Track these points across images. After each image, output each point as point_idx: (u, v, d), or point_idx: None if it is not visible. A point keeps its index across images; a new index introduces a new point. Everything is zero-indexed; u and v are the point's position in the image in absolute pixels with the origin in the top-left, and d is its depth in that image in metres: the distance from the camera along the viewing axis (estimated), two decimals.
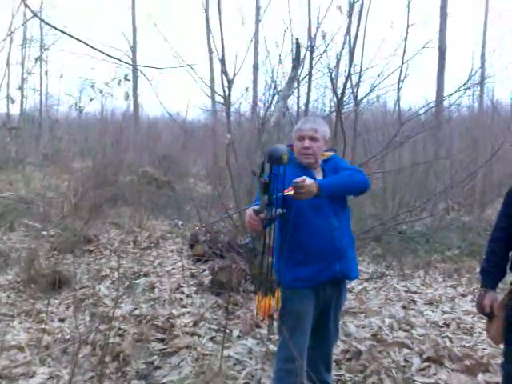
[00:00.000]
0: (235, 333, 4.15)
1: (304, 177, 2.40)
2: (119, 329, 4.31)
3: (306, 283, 2.68)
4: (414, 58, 5.64)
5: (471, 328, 4.30)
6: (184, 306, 4.75)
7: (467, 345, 3.93)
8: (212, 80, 15.30)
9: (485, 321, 2.76)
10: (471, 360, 3.51)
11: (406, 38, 5.57)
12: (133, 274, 5.88)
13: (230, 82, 5.44)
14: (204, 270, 5.98)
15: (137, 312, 4.63)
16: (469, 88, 8.23)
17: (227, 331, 4.16)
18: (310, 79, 5.29)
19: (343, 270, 2.72)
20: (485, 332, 3.80)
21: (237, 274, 5.00)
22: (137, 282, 5.61)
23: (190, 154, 16.87)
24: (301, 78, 5.47)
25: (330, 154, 2.85)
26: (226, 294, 4.86)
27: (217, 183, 9.66)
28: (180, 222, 9.01)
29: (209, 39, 17.28)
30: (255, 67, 15.60)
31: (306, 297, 2.71)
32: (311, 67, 5.15)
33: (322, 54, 5.27)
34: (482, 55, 17.74)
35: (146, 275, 5.85)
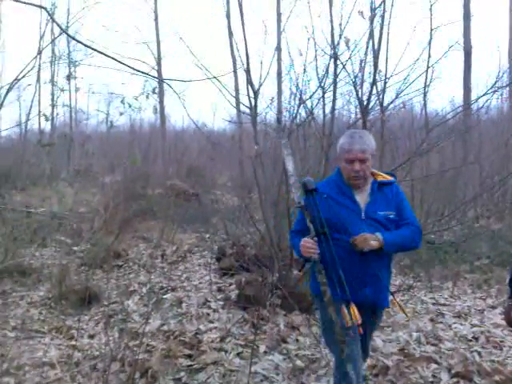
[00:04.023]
0: (262, 348, 4.14)
1: (363, 234, 2.51)
2: (148, 345, 4.36)
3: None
4: (439, 61, 5.55)
5: (501, 342, 4.18)
6: (211, 322, 4.77)
7: (497, 359, 3.82)
8: (237, 90, 15.41)
9: None
10: (501, 375, 3.42)
11: (430, 41, 5.51)
12: (161, 288, 5.95)
13: (256, 93, 5.47)
14: (231, 284, 6.00)
15: (165, 328, 4.67)
16: (497, 90, 8.07)
17: (254, 346, 4.17)
18: (334, 87, 5.27)
19: (374, 297, 2.65)
20: None
21: (264, 288, 5.00)
22: (165, 297, 5.67)
23: (217, 166, 17.03)
24: (326, 86, 5.46)
25: (389, 178, 2.76)
26: (253, 309, 4.86)
27: (244, 195, 9.72)
28: (207, 235, 9.06)
29: (232, 49, 17.42)
30: (279, 75, 15.64)
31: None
32: (336, 75, 5.13)
33: (346, 62, 5.23)
34: (510, 54, 17.36)
35: (173, 290, 5.91)
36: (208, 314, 4.97)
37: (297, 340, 4.38)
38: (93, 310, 5.57)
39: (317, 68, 5.36)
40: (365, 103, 4.95)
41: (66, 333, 4.88)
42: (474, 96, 12.17)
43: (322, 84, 5.39)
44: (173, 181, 12.89)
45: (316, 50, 5.38)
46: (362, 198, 2.66)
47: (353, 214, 2.63)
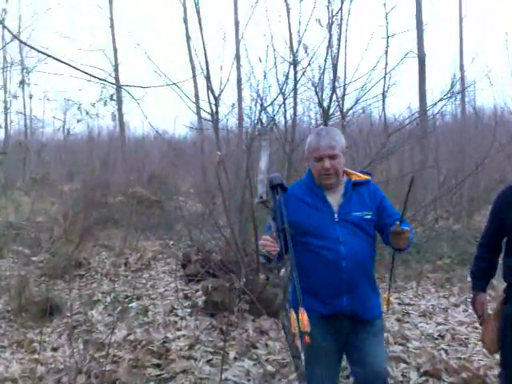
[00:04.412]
0: (232, 354, 4.11)
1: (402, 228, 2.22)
2: (114, 355, 4.26)
3: (312, 313, 2.32)
4: (397, 68, 5.69)
5: (466, 339, 4.31)
6: (179, 329, 4.71)
7: (463, 356, 3.93)
8: (196, 96, 15.29)
9: (479, 331, 2.75)
10: (468, 372, 3.52)
11: (387, 48, 5.64)
12: (125, 297, 5.83)
13: (217, 99, 5.45)
14: (197, 291, 5.94)
15: (131, 337, 4.58)
16: (451, 97, 8.37)
17: (223, 353, 4.14)
18: (295, 93, 5.32)
19: (352, 306, 2.40)
20: (479, 342, 3.82)
21: (231, 294, 4.98)
22: (130, 305, 5.56)
23: (179, 172, 16.87)
24: (286, 92, 5.50)
25: (365, 177, 2.57)
26: (221, 315, 4.83)
27: (208, 201, 9.66)
28: (171, 242, 8.96)
29: (190, 55, 17.21)
30: (239, 82, 15.68)
31: (320, 327, 2.39)
32: (296, 81, 5.18)
33: (305, 68, 5.30)
34: (461, 65, 17.98)
35: (138, 298, 5.80)
36: (175, 322, 4.90)
37: (266, 345, 4.38)
38: (55, 321, 5.41)
39: (277, 74, 5.40)
40: (325, 109, 5.01)
41: (28, 346, 4.72)
42: (429, 102, 12.54)
43: (283, 90, 5.44)
44: (134, 188, 12.67)
45: (275, 57, 5.43)
46: (334, 199, 2.48)
47: (325, 216, 2.44)
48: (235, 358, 4.08)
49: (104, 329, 5.00)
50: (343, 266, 2.36)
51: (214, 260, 6.19)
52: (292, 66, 5.14)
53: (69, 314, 5.47)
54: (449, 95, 7.91)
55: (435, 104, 7.60)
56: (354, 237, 2.41)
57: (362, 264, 2.41)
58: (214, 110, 5.49)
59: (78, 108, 11.40)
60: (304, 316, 2.09)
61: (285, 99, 5.53)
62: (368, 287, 2.47)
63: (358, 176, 2.56)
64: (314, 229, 2.42)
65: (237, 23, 17.53)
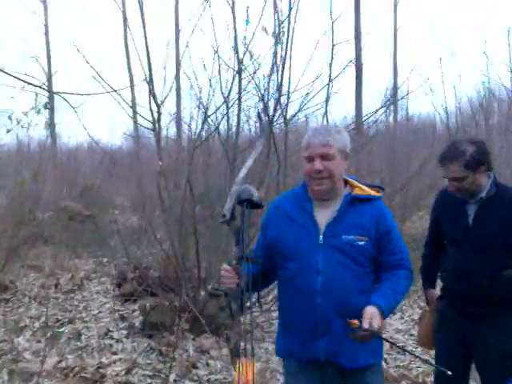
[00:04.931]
0: (172, 377, 3.93)
1: (368, 315, 1.79)
2: None
3: (290, 358, 2.12)
4: (338, 78, 5.78)
5: (403, 347, 4.35)
6: (115, 353, 4.45)
7: (402, 364, 3.97)
8: (134, 104, 14.84)
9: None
10: (407, 380, 3.55)
11: (332, 57, 5.73)
12: (56, 321, 5.46)
13: (159, 106, 5.24)
14: (134, 311, 5.67)
15: (63, 364, 4.27)
16: (385, 107, 8.65)
17: (163, 376, 3.96)
18: (239, 101, 5.24)
19: (330, 352, 1.99)
20: (417, 349, 3.88)
21: (170, 313, 4.79)
22: (61, 330, 5.21)
23: (114, 185, 16.34)
24: (230, 101, 5.43)
25: (372, 192, 2.08)
26: (160, 336, 4.63)
27: (145, 214, 9.37)
28: (105, 260, 8.59)
29: (129, 61, 16.76)
30: (177, 91, 15.39)
31: (301, 375, 2.09)
32: (240, 89, 5.11)
33: (252, 76, 5.24)
34: (395, 75, 18.70)
35: (70, 322, 5.45)
36: (111, 345, 4.64)
37: (207, 364, 4.23)
38: None
39: (221, 82, 5.31)
40: (270, 117, 4.98)
41: None
42: (365, 111, 12.92)
43: (227, 99, 5.36)
44: (65, 202, 12.09)
45: (220, 65, 5.34)
46: (324, 216, 2.02)
47: (307, 235, 2.00)
48: (175, 381, 3.90)
49: (32, 357, 4.64)
50: (318, 301, 1.95)
51: (152, 277, 5.97)
52: (237, 74, 5.07)
53: None
54: (383, 106, 8.18)
55: (369, 117, 7.84)
56: (338, 266, 1.96)
57: (343, 301, 1.91)
58: (156, 117, 5.28)
59: (9, 117, 10.60)
60: (248, 365, 1.76)
61: (228, 108, 5.44)
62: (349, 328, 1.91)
63: (363, 190, 2.06)
64: (293, 251, 2.01)
65: (177, 31, 17.25)
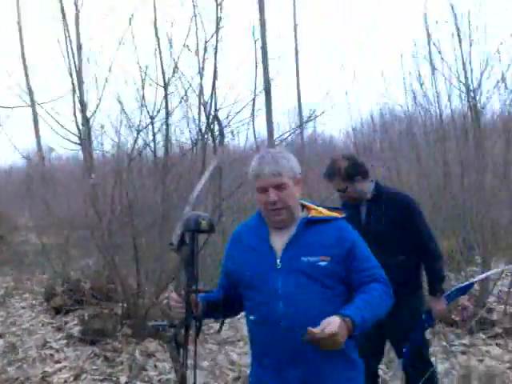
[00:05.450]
0: (123, 379, 4.02)
1: (325, 322, 1.63)
2: None
3: None
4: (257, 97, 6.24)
5: None
6: (58, 361, 4.44)
7: None
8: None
9: None
10: None
11: (255, 76, 6.17)
12: None
13: (88, 120, 5.34)
14: (66, 322, 5.62)
15: (3, 376, 4.19)
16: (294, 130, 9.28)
17: (114, 379, 4.05)
18: (167, 117, 5.48)
19: (305, 381, 1.85)
20: None
21: (111, 320, 4.85)
22: None
23: (17, 204, 15.56)
24: (155, 115, 5.64)
25: (330, 214, 1.98)
26: (103, 342, 4.68)
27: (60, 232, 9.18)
28: (25, 277, 8.29)
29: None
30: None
31: None
32: (167, 104, 5.37)
33: (185, 94, 5.51)
34: (299, 96, 19.61)
35: (1, 336, 5.28)
36: (51, 355, 4.60)
37: (155, 366, 4.36)
38: None
39: (143, 99, 5.53)
40: (203, 131, 5.28)
41: None
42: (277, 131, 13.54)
43: (153, 115, 5.59)
44: None
45: (143, 80, 5.55)
46: (280, 240, 1.92)
47: (264, 262, 1.91)
48: (127, 383, 4.00)
49: None
50: (282, 327, 1.82)
51: (83, 289, 5.96)
52: (163, 91, 5.33)
53: None
54: (291, 130, 8.77)
55: (281, 140, 8.40)
56: (300, 289, 1.83)
57: (308, 326, 1.67)
58: (86, 131, 5.37)
59: None
60: None
61: (152, 123, 5.65)
62: (330, 357, 1.79)
63: (320, 212, 1.97)
64: (252, 280, 1.92)
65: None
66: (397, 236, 2.98)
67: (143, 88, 5.50)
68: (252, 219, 2.07)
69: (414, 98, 7.84)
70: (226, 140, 6.34)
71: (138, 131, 5.43)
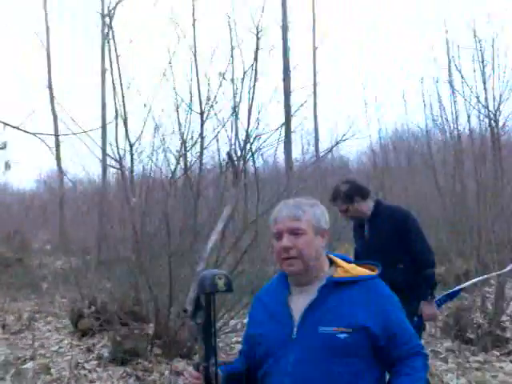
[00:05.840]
0: None
1: None
2: None
3: None
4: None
5: None
6: (92, 381, 4.58)
7: None
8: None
9: None
10: None
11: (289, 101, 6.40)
12: (17, 359, 5.41)
13: (132, 146, 5.63)
14: (94, 344, 5.76)
15: None
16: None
17: None
18: (202, 141, 5.73)
19: None
20: None
21: (142, 340, 5.00)
22: (24, 366, 5.18)
23: (35, 228, 15.83)
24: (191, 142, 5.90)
25: (362, 272, 1.73)
26: (133, 362, 4.82)
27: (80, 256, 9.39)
28: (49, 301, 8.46)
29: (104, 102, 16.12)
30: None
31: None
32: (202, 130, 5.62)
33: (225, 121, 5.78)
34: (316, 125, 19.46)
35: (32, 359, 5.42)
36: (85, 375, 4.74)
37: None
38: None
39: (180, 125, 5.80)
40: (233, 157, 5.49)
41: None
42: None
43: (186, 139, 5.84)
44: None
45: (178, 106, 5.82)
46: (301, 303, 1.66)
47: (281, 329, 1.65)
48: None
49: None
50: None
51: (111, 311, 6.10)
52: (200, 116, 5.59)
53: None
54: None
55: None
56: (312, 366, 1.58)
57: None
58: (129, 156, 5.63)
59: None
60: None
61: (186, 151, 5.89)
62: None
63: (346, 271, 1.70)
64: (266, 350, 1.69)
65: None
66: (395, 247, 3.33)
67: (177, 113, 5.82)
68: (274, 279, 1.85)
69: (433, 118, 8.10)
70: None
71: (179, 157, 5.66)
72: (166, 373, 4.67)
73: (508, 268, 4.95)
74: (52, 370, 4.98)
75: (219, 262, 5.02)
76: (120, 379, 4.58)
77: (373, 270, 1.75)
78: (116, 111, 5.51)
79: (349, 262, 1.77)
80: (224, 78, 5.45)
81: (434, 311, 3.45)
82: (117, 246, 7.25)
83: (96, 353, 5.34)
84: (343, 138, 7.48)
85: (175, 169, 5.81)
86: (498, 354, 5.07)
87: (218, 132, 5.67)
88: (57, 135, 4.21)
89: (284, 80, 10.77)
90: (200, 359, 1.64)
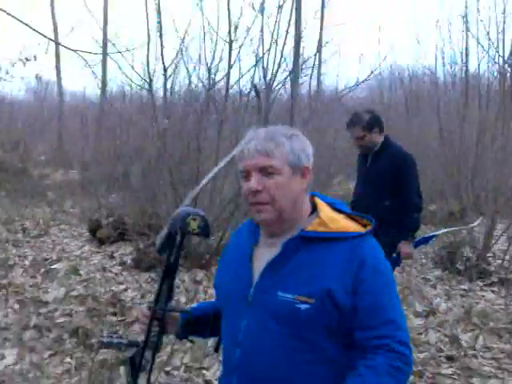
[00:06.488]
0: (182, 299, 4.64)
1: None
2: (64, 310, 4.46)
3: None
4: None
5: None
6: (121, 283, 5.04)
7: None
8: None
9: None
10: None
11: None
12: (44, 260, 5.85)
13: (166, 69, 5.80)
14: (113, 252, 6.20)
15: (74, 293, 4.78)
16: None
17: (175, 298, 4.65)
18: (229, 70, 5.91)
19: None
20: None
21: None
22: (53, 267, 5.62)
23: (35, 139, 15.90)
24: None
25: (353, 228, 1.36)
26: (158, 269, 5.27)
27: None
28: (62, 209, 8.86)
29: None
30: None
31: None
32: (230, 58, 5.80)
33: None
34: None
35: (59, 260, 5.87)
36: (113, 278, 5.20)
37: (205, 292, 4.97)
38: None
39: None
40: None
41: None
42: None
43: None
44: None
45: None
46: (266, 258, 1.36)
47: (238, 287, 1.39)
48: (186, 302, 4.62)
49: (32, 289, 5.04)
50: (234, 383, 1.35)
51: (129, 222, 6.51)
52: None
53: None
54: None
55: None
56: (267, 337, 1.31)
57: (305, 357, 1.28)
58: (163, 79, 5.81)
59: None
60: None
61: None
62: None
63: (324, 224, 1.33)
64: (222, 307, 1.48)
65: None
66: (387, 184, 3.60)
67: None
68: (247, 221, 1.52)
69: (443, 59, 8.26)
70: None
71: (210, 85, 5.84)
72: (186, 280, 5.15)
73: (477, 222, 5.38)
74: (80, 271, 5.43)
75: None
76: (145, 283, 5.05)
77: (365, 226, 1.37)
78: (148, 32, 5.59)
79: (338, 210, 1.40)
80: (254, 9, 5.55)
81: (412, 251, 3.76)
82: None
83: (118, 259, 5.79)
84: (367, 78, 7.63)
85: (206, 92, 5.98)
86: (482, 284, 5.64)
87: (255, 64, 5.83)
88: (97, 53, 4.25)
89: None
90: (154, 303, 1.44)
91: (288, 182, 1.32)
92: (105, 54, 4.28)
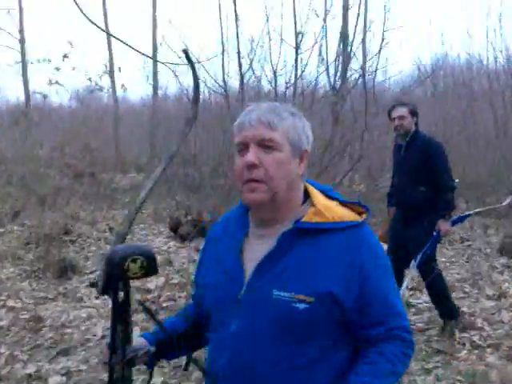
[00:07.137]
0: None
1: None
2: (167, 295, 5.04)
3: None
4: None
5: None
6: None
7: None
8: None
9: None
10: None
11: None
12: None
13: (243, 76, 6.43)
14: (196, 246, 6.76)
15: (174, 281, 5.37)
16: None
17: None
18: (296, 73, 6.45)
19: None
20: None
21: None
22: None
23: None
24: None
25: (348, 217, 1.27)
26: None
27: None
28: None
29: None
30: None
31: None
32: (296, 64, 6.34)
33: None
34: None
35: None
36: None
37: None
38: (75, 278, 5.88)
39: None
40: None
41: (73, 297, 5.25)
42: None
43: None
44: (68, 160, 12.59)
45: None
46: (259, 253, 1.25)
47: (227, 284, 1.28)
48: None
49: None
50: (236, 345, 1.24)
51: (207, 220, 7.08)
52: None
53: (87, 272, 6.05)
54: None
55: None
56: (261, 343, 1.22)
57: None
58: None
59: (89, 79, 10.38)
60: None
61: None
62: None
63: (320, 213, 1.25)
64: (209, 306, 1.36)
65: None
66: (421, 171, 4.04)
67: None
68: (234, 209, 1.41)
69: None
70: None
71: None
72: None
73: (508, 200, 5.67)
74: (174, 263, 6.03)
75: None
76: None
77: (360, 214, 1.29)
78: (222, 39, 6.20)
79: (331, 197, 1.32)
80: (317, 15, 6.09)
81: (449, 228, 4.20)
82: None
83: None
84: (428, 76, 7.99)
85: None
86: None
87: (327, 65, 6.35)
88: (185, 64, 4.79)
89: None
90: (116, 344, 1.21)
91: (287, 160, 1.23)
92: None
